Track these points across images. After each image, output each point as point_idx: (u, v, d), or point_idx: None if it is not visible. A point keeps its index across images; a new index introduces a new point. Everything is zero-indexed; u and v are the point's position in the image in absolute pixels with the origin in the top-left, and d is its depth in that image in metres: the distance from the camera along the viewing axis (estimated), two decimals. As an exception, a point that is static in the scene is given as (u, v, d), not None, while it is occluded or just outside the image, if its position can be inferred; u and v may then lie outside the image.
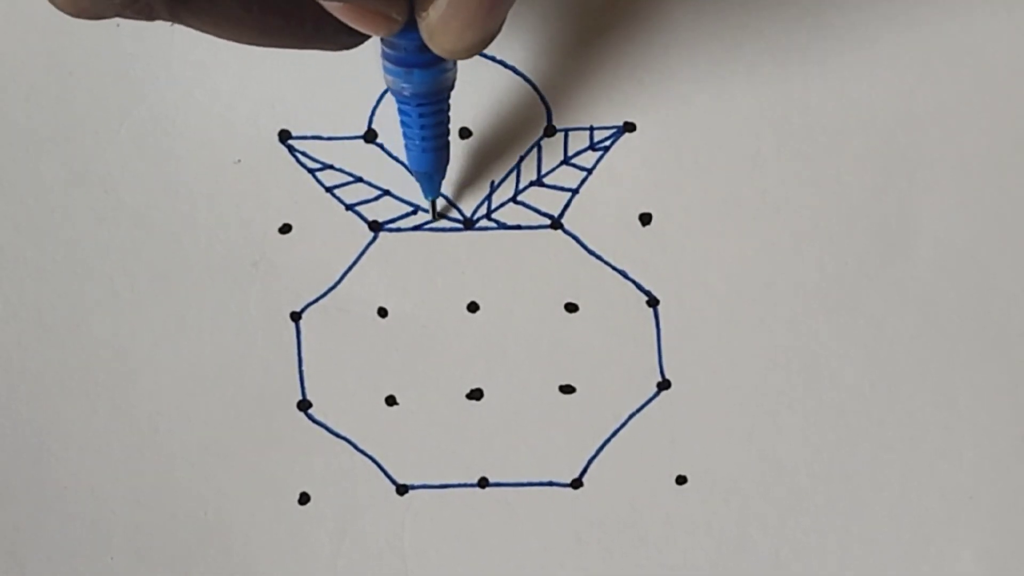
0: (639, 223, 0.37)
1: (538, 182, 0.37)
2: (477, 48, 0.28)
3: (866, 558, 0.37)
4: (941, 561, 0.37)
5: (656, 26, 0.36)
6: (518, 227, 0.37)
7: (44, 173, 0.37)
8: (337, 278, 0.37)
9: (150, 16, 0.25)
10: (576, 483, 0.37)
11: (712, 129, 0.37)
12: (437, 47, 0.28)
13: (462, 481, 0.37)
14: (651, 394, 0.37)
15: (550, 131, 0.37)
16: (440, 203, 0.37)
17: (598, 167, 0.37)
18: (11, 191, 0.37)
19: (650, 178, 0.37)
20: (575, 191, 0.37)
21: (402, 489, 0.37)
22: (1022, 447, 0.37)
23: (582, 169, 0.37)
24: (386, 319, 0.37)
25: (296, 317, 0.37)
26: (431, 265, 0.37)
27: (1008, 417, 0.37)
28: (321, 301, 0.37)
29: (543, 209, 0.37)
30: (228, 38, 0.28)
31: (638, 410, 0.37)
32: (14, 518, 0.37)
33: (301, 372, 0.37)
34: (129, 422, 0.37)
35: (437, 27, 0.27)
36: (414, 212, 0.37)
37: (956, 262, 0.37)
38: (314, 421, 0.37)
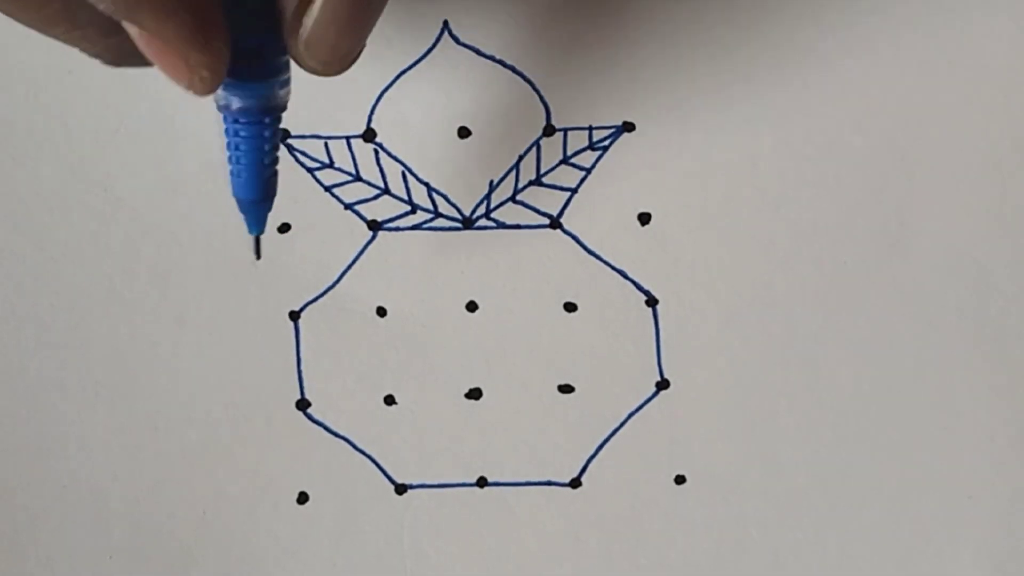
0: (638, 223, 0.37)
1: (537, 181, 0.37)
2: (350, 57, 0.28)
3: (865, 558, 0.37)
4: (940, 561, 0.37)
5: (655, 26, 0.36)
6: (517, 226, 0.37)
7: (43, 172, 0.37)
8: (336, 277, 0.37)
9: None
10: (575, 482, 0.37)
11: (711, 129, 0.37)
12: (312, 59, 0.27)
13: (461, 480, 0.37)
14: (650, 394, 0.37)
15: (549, 130, 0.37)
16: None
17: (597, 166, 0.37)
18: (10, 190, 0.37)
19: (649, 178, 0.37)
20: (574, 191, 0.37)
21: (401, 488, 0.37)
22: (1021, 447, 0.37)
23: (581, 168, 0.37)
24: (385, 318, 0.37)
25: (295, 316, 0.37)
26: (430, 264, 0.37)
27: (1007, 417, 0.37)
28: (320, 300, 0.37)
29: (542, 208, 0.37)
30: (4, 12, 0.26)
31: (637, 409, 0.37)
32: (13, 517, 0.37)
33: (300, 371, 0.37)
34: (128, 421, 0.37)
35: (313, 38, 0.27)
36: (413, 211, 0.37)
37: (955, 262, 0.37)
38: (313, 420, 0.37)
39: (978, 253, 0.37)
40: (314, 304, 0.37)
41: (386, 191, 0.37)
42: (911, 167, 0.37)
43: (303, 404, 0.37)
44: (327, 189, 0.37)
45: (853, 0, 0.37)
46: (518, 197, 0.37)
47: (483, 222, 0.37)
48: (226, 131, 0.29)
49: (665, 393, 0.37)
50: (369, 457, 0.37)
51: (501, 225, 0.37)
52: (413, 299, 0.37)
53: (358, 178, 0.37)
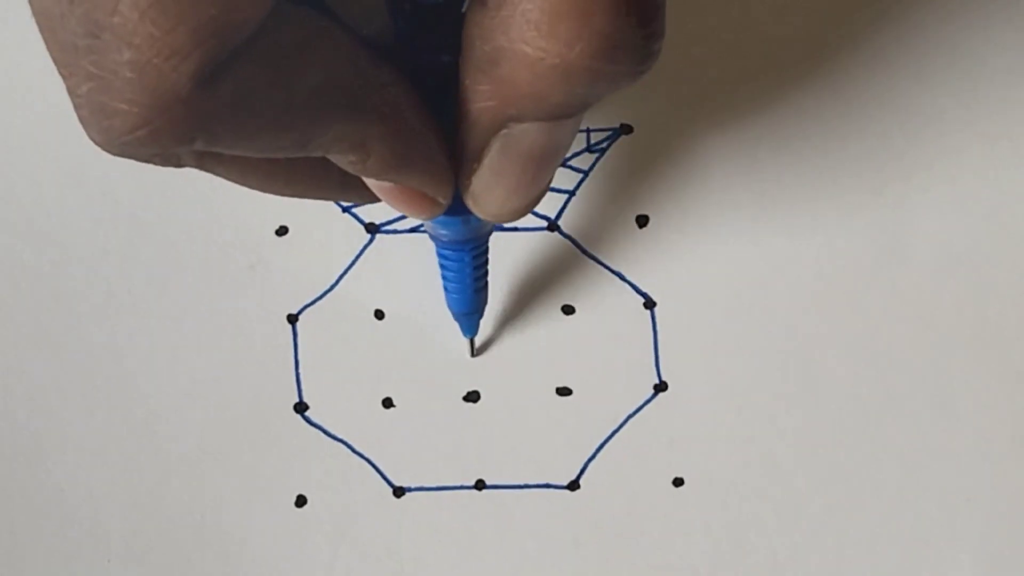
0: (636, 225, 0.37)
1: (535, 184, 0.37)
2: (523, 212, 0.27)
3: (864, 561, 0.37)
4: (939, 563, 0.36)
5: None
6: (514, 229, 0.37)
7: (41, 174, 0.37)
8: (334, 280, 0.37)
9: (177, 165, 0.25)
10: (573, 485, 0.37)
11: (708, 131, 0.37)
12: (482, 213, 0.27)
13: (459, 483, 0.37)
14: (648, 396, 0.37)
15: (547, 133, 0.37)
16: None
17: (595, 169, 0.37)
18: (8, 193, 0.37)
19: (647, 180, 0.37)
20: (572, 193, 0.37)
21: (399, 491, 0.37)
22: (1020, 449, 0.37)
23: (579, 171, 0.37)
24: (383, 321, 0.37)
25: (293, 319, 0.37)
26: (428, 267, 0.37)
27: (1006, 419, 0.37)
28: (318, 303, 0.37)
29: (539, 211, 0.37)
30: (254, 187, 0.27)
31: (635, 412, 0.37)
32: (11, 521, 0.37)
33: (298, 374, 0.37)
34: (126, 425, 0.37)
35: (480, 195, 0.27)
36: (411, 214, 0.37)
37: (953, 264, 0.37)
38: (311, 423, 0.37)
39: (977, 254, 0.37)
40: (312, 307, 0.37)
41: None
42: (910, 168, 0.37)
43: (301, 407, 0.37)
44: (325, 192, 0.37)
45: (851, 3, 0.37)
46: (516, 200, 0.37)
47: (481, 225, 0.37)
48: (437, 254, 0.32)
49: (663, 395, 0.37)
50: (367, 460, 0.37)
51: (498, 227, 0.37)
52: (411, 302, 0.37)
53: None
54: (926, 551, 0.36)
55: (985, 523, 0.37)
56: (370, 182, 0.27)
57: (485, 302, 0.35)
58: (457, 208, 0.27)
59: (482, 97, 0.24)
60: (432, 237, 0.32)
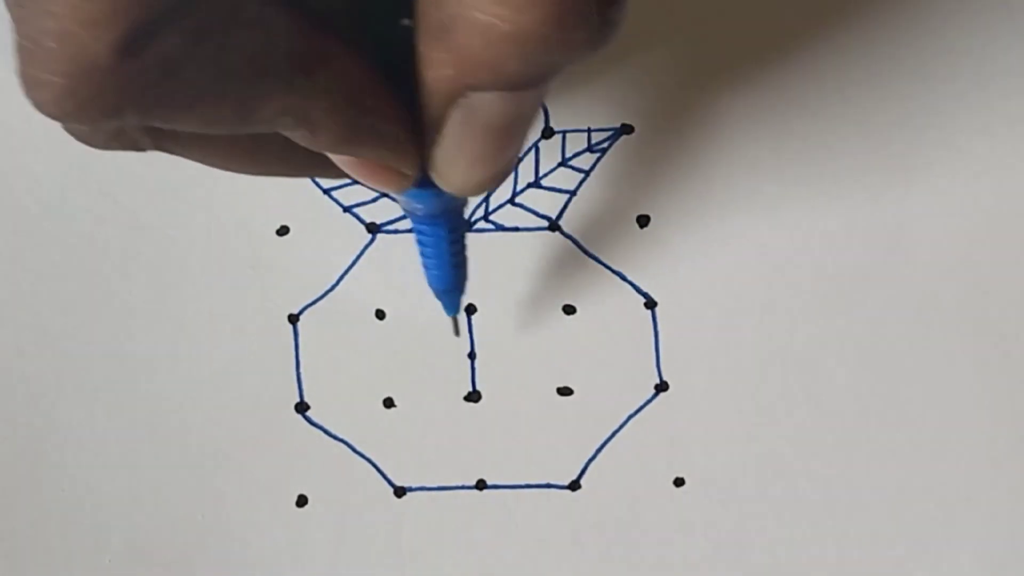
0: (637, 225, 0.37)
1: (536, 184, 0.37)
2: (487, 186, 0.26)
3: (864, 560, 0.37)
4: (939, 563, 0.36)
5: (654, 28, 0.36)
6: (516, 229, 0.37)
7: (41, 174, 0.37)
8: (335, 280, 0.37)
9: (136, 148, 0.24)
10: (574, 485, 0.37)
11: (710, 131, 0.37)
12: (446, 185, 0.26)
13: (460, 483, 0.37)
14: (649, 396, 0.37)
15: (548, 133, 0.37)
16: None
17: (596, 169, 0.37)
18: (8, 192, 0.37)
19: (648, 180, 0.37)
20: (573, 193, 0.37)
21: (400, 491, 0.37)
22: (1020, 448, 0.37)
23: (580, 171, 0.37)
24: (384, 321, 0.37)
25: (294, 319, 0.37)
26: (429, 267, 0.37)
27: (1006, 418, 0.37)
28: (319, 303, 0.37)
29: (541, 211, 0.37)
30: (217, 167, 0.26)
31: (636, 412, 0.37)
32: (11, 519, 0.37)
33: (299, 374, 0.37)
34: (127, 424, 0.37)
35: (443, 167, 0.26)
36: (412, 214, 0.37)
37: (954, 264, 0.37)
38: (312, 423, 0.37)
39: (977, 255, 0.37)
40: (313, 307, 0.37)
41: (385, 194, 0.37)
42: (909, 169, 0.37)
43: (302, 407, 0.37)
44: (326, 192, 0.37)
45: (852, 2, 0.37)
46: (517, 199, 0.37)
47: (482, 224, 0.37)
48: (414, 231, 0.31)
49: (664, 395, 0.37)
50: (368, 460, 0.37)
51: (500, 228, 0.37)
52: (412, 302, 0.37)
53: (356, 180, 0.37)
54: (927, 550, 0.37)
55: (985, 523, 0.37)
56: (332, 156, 0.26)
57: (465, 279, 0.34)
58: (429, 181, 0.27)
59: (438, 65, 0.23)
60: (407, 212, 0.31)
